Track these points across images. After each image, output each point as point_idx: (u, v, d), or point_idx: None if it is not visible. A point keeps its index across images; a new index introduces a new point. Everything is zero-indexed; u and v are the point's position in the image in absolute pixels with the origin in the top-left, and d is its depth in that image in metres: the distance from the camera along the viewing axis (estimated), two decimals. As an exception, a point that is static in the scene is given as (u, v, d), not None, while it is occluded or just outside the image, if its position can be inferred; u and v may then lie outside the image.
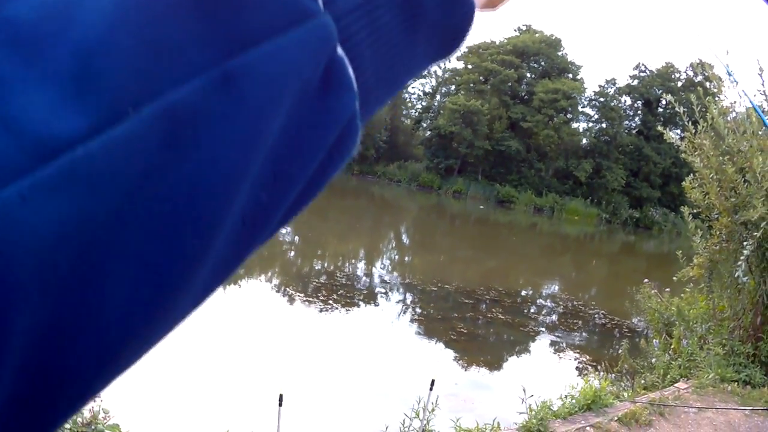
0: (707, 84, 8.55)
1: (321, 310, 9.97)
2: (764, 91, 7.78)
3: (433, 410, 4.99)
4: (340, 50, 0.31)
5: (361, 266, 15.35)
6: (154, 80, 0.24)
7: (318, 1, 0.30)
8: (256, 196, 0.29)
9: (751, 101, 5.75)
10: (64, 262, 0.22)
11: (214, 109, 0.26)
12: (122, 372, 0.27)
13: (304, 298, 10.59)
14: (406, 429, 5.09)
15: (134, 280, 0.25)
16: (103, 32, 0.23)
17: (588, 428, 5.32)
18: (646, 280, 9.51)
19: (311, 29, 0.29)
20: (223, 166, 0.26)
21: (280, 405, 3.79)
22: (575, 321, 12.55)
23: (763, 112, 7.82)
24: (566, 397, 5.91)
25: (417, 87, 56.73)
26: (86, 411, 4.20)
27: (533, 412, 5.30)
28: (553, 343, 10.83)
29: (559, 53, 53.98)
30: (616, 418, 5.55)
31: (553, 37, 53.65)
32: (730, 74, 4.84)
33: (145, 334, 0.27)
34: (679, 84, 49.55)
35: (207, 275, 0.29)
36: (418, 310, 11.32)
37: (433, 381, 4.53)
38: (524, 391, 5.45)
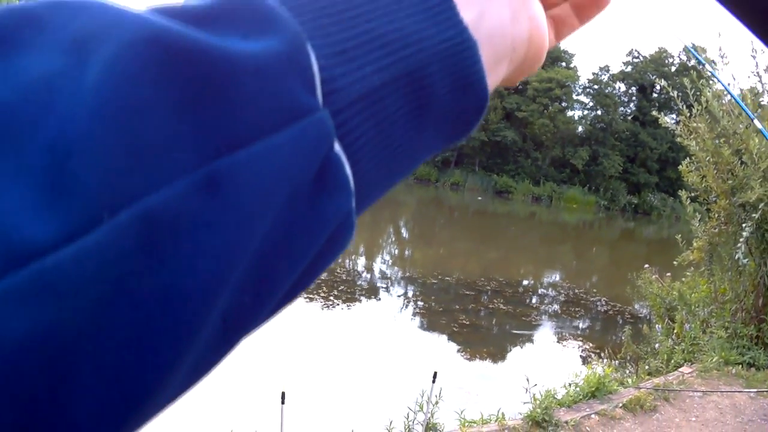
0: (700, 67, 8.55)
1: (322, 307, 9.96)
2: (758, 73, 7.78)
3: (437, 403, 4.98)
4: (337, 147, 0.30)
5: (361, 261, 15.32)
6: (133, 183, 0.22)
7: (317, 95, 0.28)
8: (240, 298, 0.27)
9: (731, 93, 5.73)
10: (30, 371, 0.21)
11: (196, 214, 0.24)
12: None
13: (305, 296, 10.58)
14: (410, 423, 5.08)
15: (105, 389, 0.23)
16: (81, 127, 0.22)
17: (593, 416, 5.32)
18: (646, 266, 9.51)
19: (306, 128, 0.28)
20: (203, 273, 0.24)
21: (283, 403, 3.78)
22: (577, 309, 12.56)
23: (758, 93, 7.82)
24: (570, 385, 5.91)
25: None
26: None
27: (537, 402, 5.29)
28: (555, 332, 10.84)
29: (552, 42, 54.02)
30: (620, 405, 5.55)
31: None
32: (701, 61, 4.81)
33: None
34: (673, 69, 49.54)
35: (184, 375, 0.27)
36: (420, 304, 11.30)
37: (435, 374, 4.52)
38: (528, 380, 5.44)
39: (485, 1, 0.38)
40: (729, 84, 8.02)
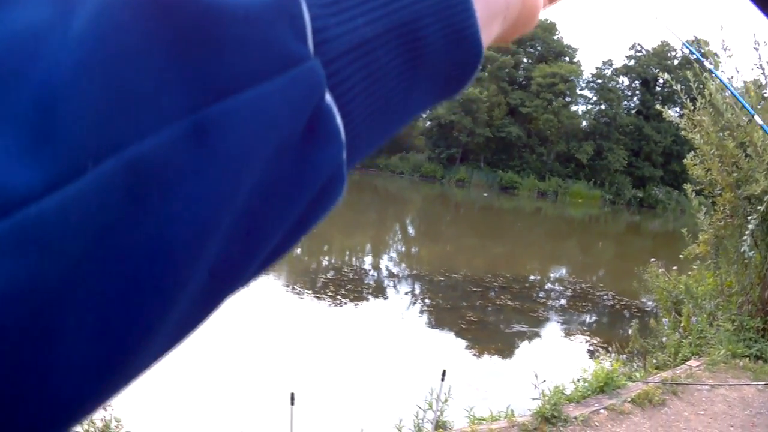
0: (700, 63, 8.54)
1: (330, 306, 9.99)
2: (761, 65, 7.78)
3: (446, 401, 5.00)
4: (328, 97, 0.29)
5: (368, 260, 15.35)
6: (118, 131, 0.22)
7: (308, 44, 0.28)
8: (228, 250, 0.27)
9: (730, 88, 5.73)
10: (11, 324, 0.20)
11: (184, 163, 0.23)
12: (84, 416, 0.25)
13: (313, 295, 10.60)
14: (420, 421, 5.10)
15: (90, 342, 0.23)
16: (67, 74, 0.21)
17: (602, 410, 5.34)
18: (653, 260, 9.50)
19: (297, 76, 0.27)
20: (190, 223, 0.24)
21: (292, 404, 3.80)
22: (584, 304, 12.56)
23: (761, 85, 7.82)
24: (579, 380, 5.92)
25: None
26: (98, 420, 4.21)
27: (546, 398, 5.30)
28: (563, 327, 10.85)
29: (555, 37, 53.97)
30: (629, 399, 5.56)
31: (548, 22, 53.45)
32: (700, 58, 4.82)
33: (101, 390, 0.25)
34: (675, 62, 49.37)
35: (170, 332, 0.27)
36: (427, 301, 11.32)
37: (444, 371, 4.54)
38: (536, 377, 5.46)
39: None
40: (732, 77, 8.03)
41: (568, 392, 5.65)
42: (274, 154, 0.27)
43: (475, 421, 5.03)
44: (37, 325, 0.21)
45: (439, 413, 4.92)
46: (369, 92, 0.31)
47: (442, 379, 4.58)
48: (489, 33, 0.40)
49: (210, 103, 0.24)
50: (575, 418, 5.11)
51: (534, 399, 5.39)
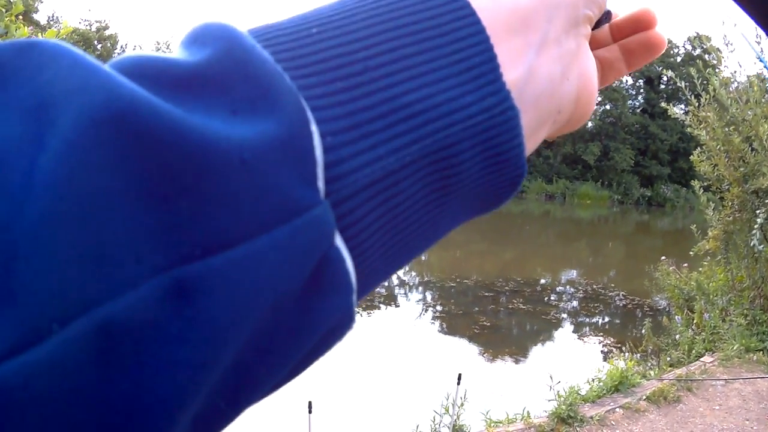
0: (706, 56, 8.55)
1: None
2: (762, 58, 7.78)
3: (462, 405, 5.01)
4: (338, 240, 0.26)
5: (378, 269, 15.32)
6: (88, 289, 0.19)
7: (317, 186, 0.24)
8: (213, 404, 0.24)
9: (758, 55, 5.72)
10: None
11: (162, 324, 0.21)
12: None
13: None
14: (437, 426, 5.10)
15: None
16: (30, 225, 0.19)
17: (617, 409, 5.34)
18: (663, 258, 9.49)
19: (300, 228, 0.23)
20: (169, 388, 0.21)
21: (310, 412, 3.81)
22: (596, 305, 12.52)
23: (764, 79, 7.82)
24: (593, 380, 5.93)
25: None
26: None
27: (562, 398, 5.31)
28: (576, 329, 10.81)
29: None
30: (644, 397, 5.56)
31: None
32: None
33: None
34: (679, 59, 49.28)
35: None
36: (439, 308, 11.31)
37: (460, 375, 4.55)
38: (551, 378, 5.47)
39: (534, 56, 0.33)
40: (735, 71, 8.04)
41: (583, 392, 5.64)
42: (269, 311, 0.24)
43: (492, 424, 5.04)
44: None
45: (455, 417, 4.93)
46: (389, 227, 0.28)
47: (458, 383, 4.59)
48: (533, 143, 0.36)
49: (194, 260, 0.21)
50: (591, 417, 5.11)
51: (549, 400, 5.39)
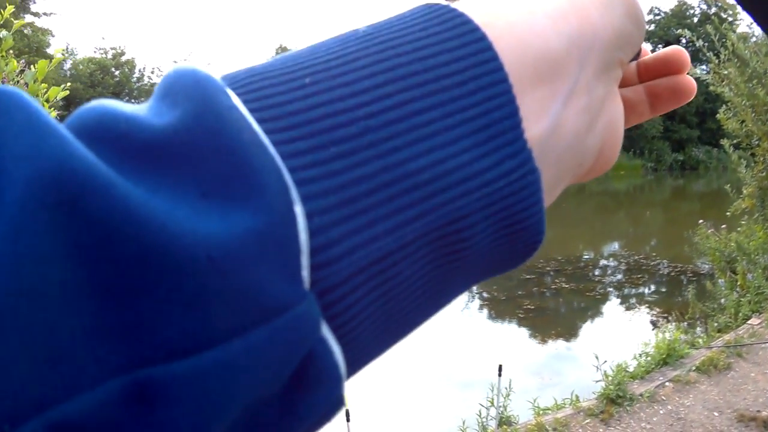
0: (721, 14, 8.44)
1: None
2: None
3: (507, 395, 4.93)
4: (325, 331, 0.22)
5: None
6: (41, 389, 0.18)
7: (300, 280, 0.21)
8: None
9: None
10: None
11: (120, 428, 0.18)
12: None
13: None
14: (484, 420, 5.03)
15: None
16: None
17: (667, 383, 5.23)
18: (701, 221, 9.35)
19: (281, 328, 0.20)
20: None
21: (348, 420, 3.77)
22: (640, 275, 12.39)
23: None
24: (641, 355, 5.82)
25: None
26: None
27: (609, 378, 5.21)
28: (621, 302, 10.72)
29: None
30: (694, 368, 5.45)
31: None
32: None
33: None
34: (695, 20, 48.96)
35: None
36: (485, 295, 11.24)
37: (500, 366, 4.48)
38: (597, 358, 5.36)
39: (561, 107, 0.29)
40: (751, 24, 7.88)
41: (631, 369, 5.55)
42: (244, 412, 0.21)
43: (540, 412, 4.96)
44: None
45: (501, 409, 4.86)
46: (384, 310, 0.24)
47: (499, 375, 4.52)
48: (552, 197, 0.32)
49: (156, 363, 0.19)
50: (641, 395, 5.01)
51: (597, 381, 5.30)
